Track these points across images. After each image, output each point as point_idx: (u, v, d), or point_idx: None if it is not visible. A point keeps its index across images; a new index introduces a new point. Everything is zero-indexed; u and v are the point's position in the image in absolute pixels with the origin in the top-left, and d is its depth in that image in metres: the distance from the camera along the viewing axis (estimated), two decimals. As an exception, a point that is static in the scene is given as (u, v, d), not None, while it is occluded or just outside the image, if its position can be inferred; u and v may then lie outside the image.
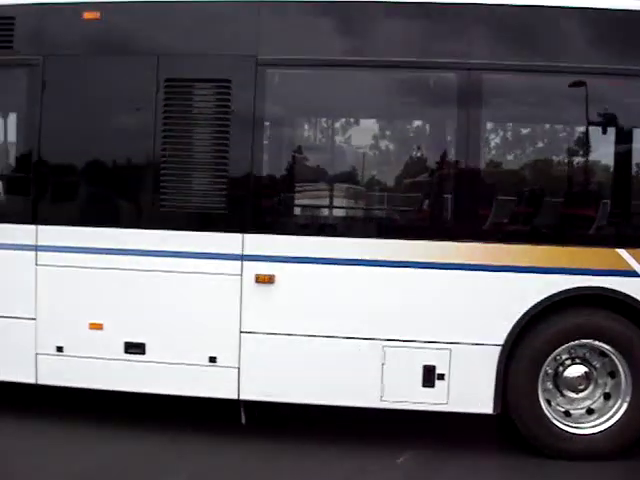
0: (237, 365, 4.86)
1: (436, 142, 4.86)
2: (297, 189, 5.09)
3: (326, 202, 5.16)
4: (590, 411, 4.75)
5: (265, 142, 4.90)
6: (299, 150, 5.24)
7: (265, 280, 4.79)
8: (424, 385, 4.73)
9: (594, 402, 4.75)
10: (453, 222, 4.78)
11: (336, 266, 4.73)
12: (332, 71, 4.78)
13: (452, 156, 4.79)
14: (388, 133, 4.88)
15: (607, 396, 4.74)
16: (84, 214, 5.05)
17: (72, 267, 4.98)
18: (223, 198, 4.84)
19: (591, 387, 4.74)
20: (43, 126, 4.96)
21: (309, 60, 4.75)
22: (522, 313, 4.60)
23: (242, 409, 4.98)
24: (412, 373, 4.73)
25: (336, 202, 5.06)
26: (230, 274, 4.85)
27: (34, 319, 5.06)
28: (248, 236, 4.81)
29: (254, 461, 4.60)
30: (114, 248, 4.92)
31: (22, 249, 5.04)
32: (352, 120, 4.90)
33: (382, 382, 4.76)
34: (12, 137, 5.32)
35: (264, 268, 4.79)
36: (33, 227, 5.02)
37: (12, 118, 5.35)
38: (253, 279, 4.82)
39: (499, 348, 4.66)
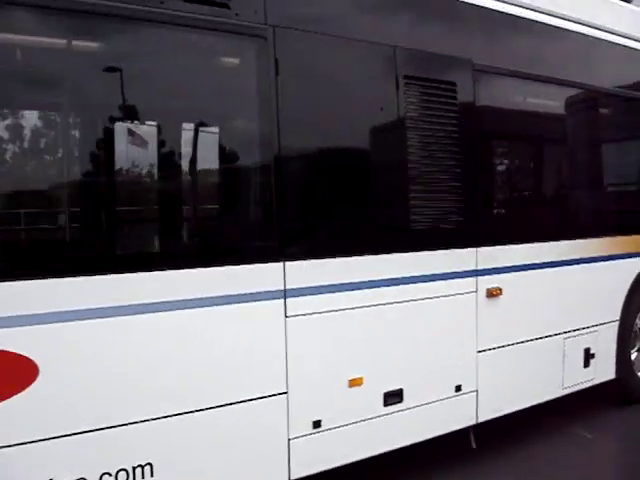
0: (475, 388, 4.59)
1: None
2: (521, 196, 5.01)
3: (541, 208, 5.22)
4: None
5: (488, 153, 4.69)
6: (518, 162, 5.11)
7: (496, 293, 4.66)
8: (584, 366, 5.41)
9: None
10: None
11: (546, 269, 4.95)
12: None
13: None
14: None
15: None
16: (336, 240, 3.87)
17: (328, 312, 3.81)
18: (460, 211, 4.46)
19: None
20: (282, 123, 3.59)
21: (516, 72, 4.78)
22: (627, 290, 5.73)
23: (472, 433, 4.70)
24: (577, 358, 5.35)
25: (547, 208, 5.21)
26: (467, 292, 4.53)
27: (285, 393, 3.65)
28: (481, 250, 4.58)
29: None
30: (368, 280, 3.98)
31: (264, 298, 3.56)
32: (561, 131, 5.14)
33: (563, 371, 5.23)
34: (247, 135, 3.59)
35: (493, 281, 4.65)
36: (279, 265, 3.60)
37: (228, 109, 3.58)
38: (485, 294, 4.62)
39: (618, 322, 5.69)
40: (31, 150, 3.24)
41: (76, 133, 3.32)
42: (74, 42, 3.19)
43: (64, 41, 3.16)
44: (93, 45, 3.25)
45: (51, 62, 3.15)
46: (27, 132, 3.12)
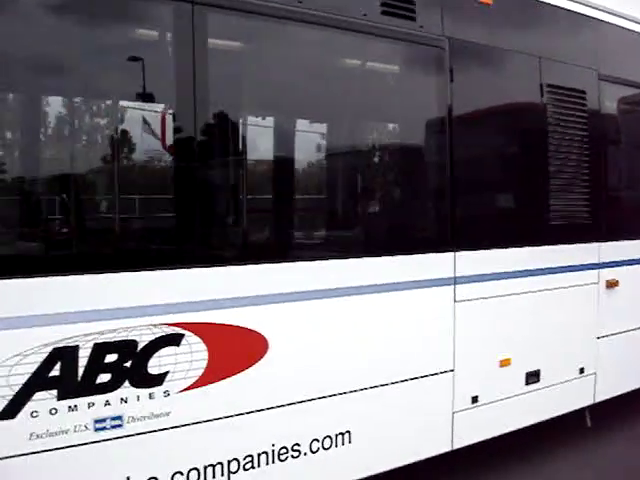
0: (594, 370, 4.98)
1: None
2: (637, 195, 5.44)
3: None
4: None
5: (612, 155, 5.07)
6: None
7: (613, 284, 5.05)
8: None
9: None
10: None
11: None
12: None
13: None
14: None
15: None
16: (496, 234, 4.27)
17: (487, 298, 4.21)
18: (588, 209, 4.84)
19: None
20: (454, 126, 3.98)
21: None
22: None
23: (587, 412, 5.11)
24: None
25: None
26: (591, 283, 4.92)
27: (452, 371, 4.05)
28: (602, 245, 4.96)
29: None
30: (517, 270, 4.37)
31: (438, 284, 3.96)
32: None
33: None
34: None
35: (611, 274, 5.04)
36: (451, 255, 4.00)
37: (412, 111, 3.97)
38: (605, 285, 5.01)
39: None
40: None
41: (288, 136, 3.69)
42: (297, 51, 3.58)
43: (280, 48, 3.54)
44: (309, 52, 3.62)
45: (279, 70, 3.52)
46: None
